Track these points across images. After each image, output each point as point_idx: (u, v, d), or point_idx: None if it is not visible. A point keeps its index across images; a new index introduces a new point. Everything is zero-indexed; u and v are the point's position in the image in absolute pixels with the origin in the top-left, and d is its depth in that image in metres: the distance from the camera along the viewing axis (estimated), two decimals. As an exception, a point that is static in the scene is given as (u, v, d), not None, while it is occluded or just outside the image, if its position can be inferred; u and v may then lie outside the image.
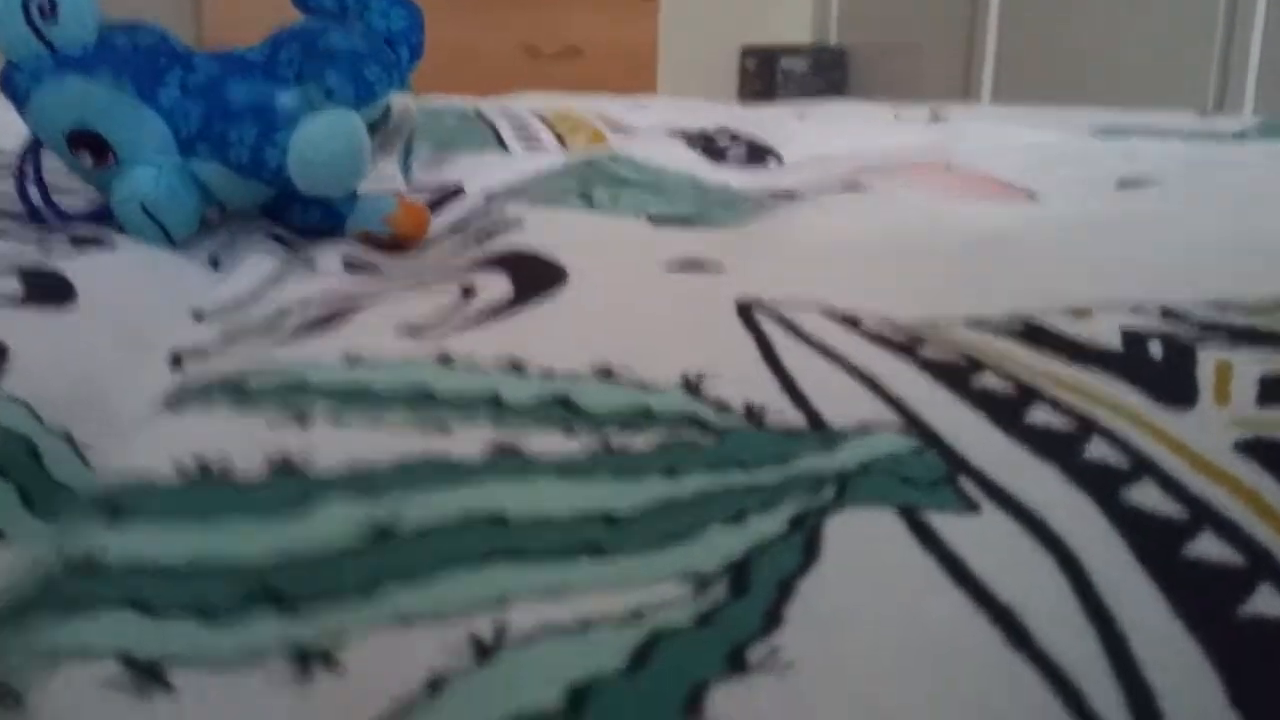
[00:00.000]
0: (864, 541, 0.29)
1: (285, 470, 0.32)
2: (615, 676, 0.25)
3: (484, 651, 0.25)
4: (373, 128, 0.61)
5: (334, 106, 0.57)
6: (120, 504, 0.31)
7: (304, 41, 0.59)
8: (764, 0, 3.61)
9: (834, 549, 0.29)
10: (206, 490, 0.31)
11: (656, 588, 0.28)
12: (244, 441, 0.33)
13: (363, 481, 0.31)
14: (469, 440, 0.34)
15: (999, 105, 2.59)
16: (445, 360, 0.39)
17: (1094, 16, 2.61)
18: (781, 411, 0.36)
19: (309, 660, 0.25)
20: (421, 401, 0.36)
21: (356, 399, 0.36)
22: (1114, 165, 0.87)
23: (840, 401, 0.37)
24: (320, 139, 0.56)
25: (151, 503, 0.31)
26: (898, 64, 3.28)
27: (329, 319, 0.44)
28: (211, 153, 0.58)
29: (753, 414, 0.36)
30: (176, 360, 0.45)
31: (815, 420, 0.35)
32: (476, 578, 0.27)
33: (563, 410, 0.36)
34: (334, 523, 0.29)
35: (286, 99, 0.58)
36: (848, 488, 0.31)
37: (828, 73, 3.43)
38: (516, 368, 0.39)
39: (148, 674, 0.25)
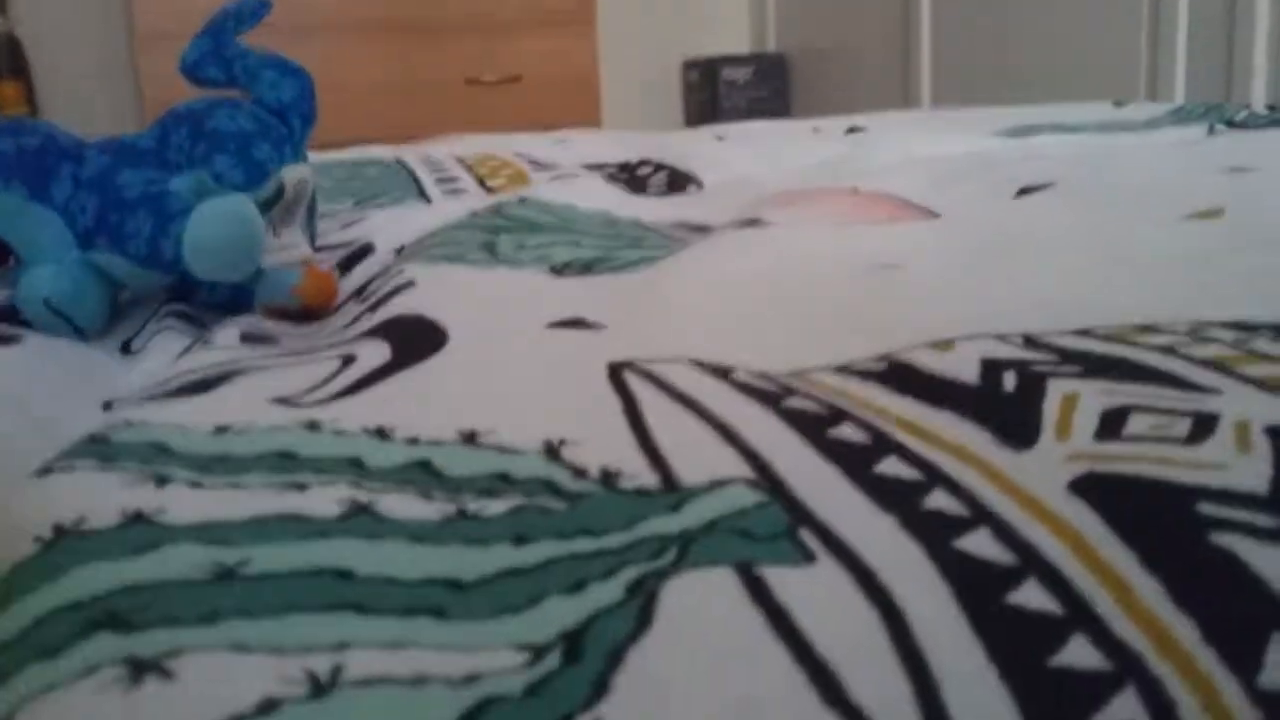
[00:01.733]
0: (697, 603, 0.31)
1: (136, 520, 0.34)
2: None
3: (319, 686, 0.27)
4: (270, 202, 0.63)
5: (225, 191, 0.59)
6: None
7: (192, 125, 0.61)
8: (701, 12, 3.64)
9: (667, 613, 0.30)
10: (60, 550, 0.33)
11: (492, 655, 0.29)
12: (100, 499, 0.35)
13: (214, 532, 0.33)
14: (325, 499, 0.35)
15: (936, 109, 2.62)
16: (312, 426, 0.40)
17: (1023, 16, 2.64)
18: (636, 474, 0.37)
19: (142, 669, 0.27)
20: (282, 464, 0.37)
21: (217, 465, 0.37)
22: (1014, 172, 0.89)
23: (696, 458, 0.38)
24: (211, 228, 0.57)
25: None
26: (837, 70, 3.31)
27: (205, 383, 0.45)
28: (110, 245, 0.59)
29: (608, 478, 0.37)
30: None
31: (668, 479, 0.37)
32: (318, 622, 0.29)
33: (423, 474, 0.37)
34: (179, 560, 0.31)
35: (178, 187, 0.59)
36: (690, 548, 0.33)
37: (770, 80, 3.46)
38: (382, 434, 0.40)
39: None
